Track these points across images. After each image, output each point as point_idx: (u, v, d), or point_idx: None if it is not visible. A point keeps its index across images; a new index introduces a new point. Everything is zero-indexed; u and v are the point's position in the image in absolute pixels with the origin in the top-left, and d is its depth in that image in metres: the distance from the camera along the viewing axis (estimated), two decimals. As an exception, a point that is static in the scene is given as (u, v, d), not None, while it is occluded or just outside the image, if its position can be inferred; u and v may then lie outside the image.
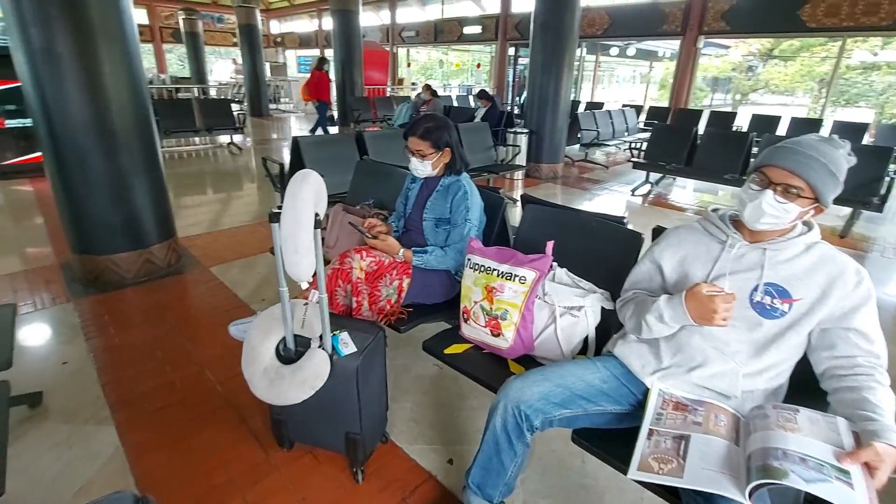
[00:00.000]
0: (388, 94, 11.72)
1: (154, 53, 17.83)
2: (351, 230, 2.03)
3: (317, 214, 1.24)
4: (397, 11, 15.64)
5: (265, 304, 2.61)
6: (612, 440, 1.22)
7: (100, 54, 2.52)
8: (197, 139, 7.58)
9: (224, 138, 7.75)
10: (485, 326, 1.56)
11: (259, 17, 12.33)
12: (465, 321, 1.63)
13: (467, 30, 13.39)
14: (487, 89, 7.45)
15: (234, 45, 16.56)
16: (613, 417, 1.23)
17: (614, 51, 16.25)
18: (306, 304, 1.47)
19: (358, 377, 1.39)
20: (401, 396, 1.95)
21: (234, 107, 7.54)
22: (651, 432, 1.09)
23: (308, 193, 1.19)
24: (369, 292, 1.75)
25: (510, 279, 1.51)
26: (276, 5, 19.29)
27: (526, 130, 6.08)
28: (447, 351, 1.60)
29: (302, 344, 1.42)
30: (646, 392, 1.21)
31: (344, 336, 1.45)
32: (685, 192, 6.10)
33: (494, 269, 1.55)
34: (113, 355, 2.18)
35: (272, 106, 13.66)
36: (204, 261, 3.24)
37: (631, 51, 16.23)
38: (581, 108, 9.61)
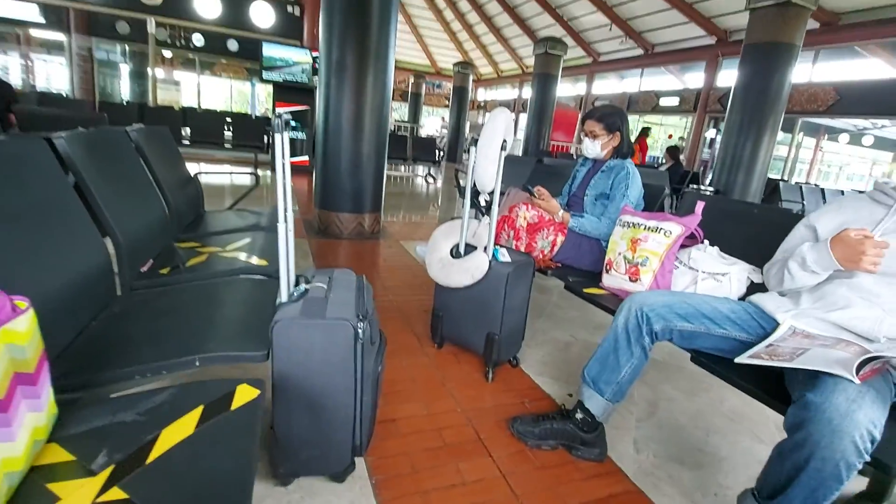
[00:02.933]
0: (571, 152, 12.29)
1: (383, 109, 21.96)
2: (523, 198, 2.42)
3: (504, 141, 1.66)
4: (595, 84, 16.41)
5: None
6: (733, 369, 1.28)
7: (368, 69, 3.53)
8: (403, 167, 9.12)
9: (423, 170, 9.16)
10: (624, 274, 1.75)
11: (471, 82, 14.38)
12: (607, 272, 1.83)
13: (664, 101, 13.33)
14: (677, 146, 7.31)
15: (445, 106, 19.43)
16: (738, 345, 1.29)
17: (844, 138, 14.03)
18: (479, 222, 1.88)
19: (507, 282, 1.72)
20: (536, 347, 2.19)
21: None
22: (770, 346, 1.15)
23: (501, 122, 1.62)
24: (527, 242, 2.09)
25: (656, 231, 1.69)
26: (485, 77, 21.99)
27: (711, 189, 5.82)
28: (586, 290, 1.82)
29: (469, 251, 1.82)
30: (776, 328, 1.25)
31: (503, 251, 1.81)
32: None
33: (642, 224, 1.75)
34: (328, 271, 2.94)
35: (465, 156, 15.47)
36: (396, 236, 4.02)
37: (867, 139, 13.86)
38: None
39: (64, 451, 0.72)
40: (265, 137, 7.67)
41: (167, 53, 13.44)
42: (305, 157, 7.20)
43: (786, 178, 11.13)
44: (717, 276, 1.62)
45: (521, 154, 10.79)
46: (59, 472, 0.68)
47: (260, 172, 3.47)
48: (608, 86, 15.80)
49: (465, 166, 9.61)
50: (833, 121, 11.88)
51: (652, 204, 2.14)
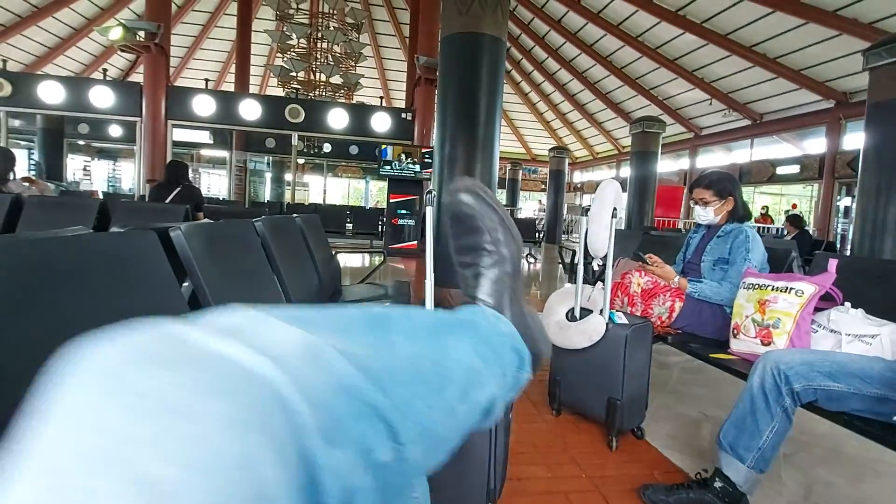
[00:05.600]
0: (679, 226, 11.75)
1: (481, 196, 23.17)
2: (634, 267, 2.45)
3: (615, 209, 1.78)
4: (698, 158, 15.91)
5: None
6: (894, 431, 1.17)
7: (476, 160, 3.95)
8: (503, 248, 9.46)
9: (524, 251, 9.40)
10: (755, 337, 1.67)
11: (567, 165, 14.83)
12: (735, 336, 1.77)
13: (781, 170, 12.40)
14: (799, 215, 6.73)
15: (542, 190, 20.06)
16: (900, 410, 1.18)
17: None
18: (593, 288, 1.96)
19: (626, 345, 1.73)
20: (662, 421, 2.08)
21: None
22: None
23: (610, 191, 1.76)
24: (643, 309, 2.09)
25: (785, 291, 1.63)
26: (581, 159, 22.48)
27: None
28: (712, 355, 1.76)
29: (585, 316, 1.88)
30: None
31: (619, 314, 1.85)
32: None
33: (769, 285, 1.69)
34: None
35: (564, 237, 15.50)
36: (502, 310, 4.15)
37: None
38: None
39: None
40: (379, 226, 8.54)
41: (300, 160, 15.93)
42: (414, 242, 7.82)
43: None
44: (864, 339, 1.50)
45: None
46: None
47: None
48: (714, 159, 15.23)
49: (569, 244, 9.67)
50: None
51: (778, 269, 2.05)
